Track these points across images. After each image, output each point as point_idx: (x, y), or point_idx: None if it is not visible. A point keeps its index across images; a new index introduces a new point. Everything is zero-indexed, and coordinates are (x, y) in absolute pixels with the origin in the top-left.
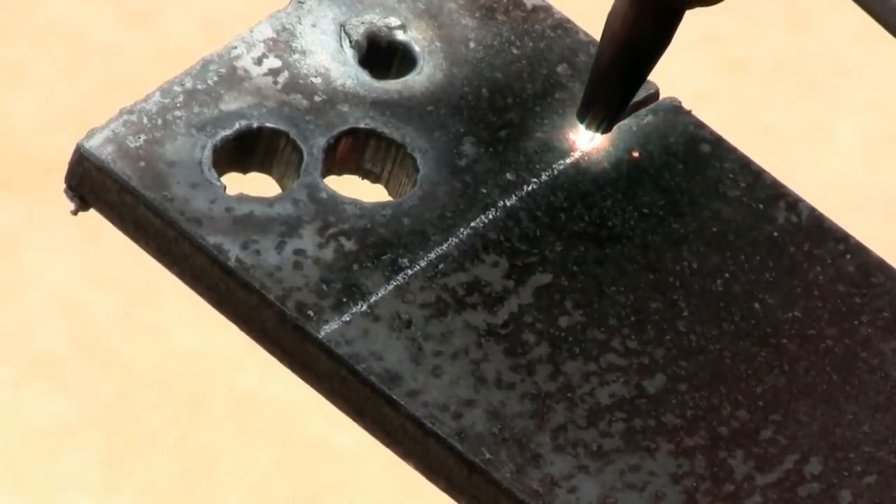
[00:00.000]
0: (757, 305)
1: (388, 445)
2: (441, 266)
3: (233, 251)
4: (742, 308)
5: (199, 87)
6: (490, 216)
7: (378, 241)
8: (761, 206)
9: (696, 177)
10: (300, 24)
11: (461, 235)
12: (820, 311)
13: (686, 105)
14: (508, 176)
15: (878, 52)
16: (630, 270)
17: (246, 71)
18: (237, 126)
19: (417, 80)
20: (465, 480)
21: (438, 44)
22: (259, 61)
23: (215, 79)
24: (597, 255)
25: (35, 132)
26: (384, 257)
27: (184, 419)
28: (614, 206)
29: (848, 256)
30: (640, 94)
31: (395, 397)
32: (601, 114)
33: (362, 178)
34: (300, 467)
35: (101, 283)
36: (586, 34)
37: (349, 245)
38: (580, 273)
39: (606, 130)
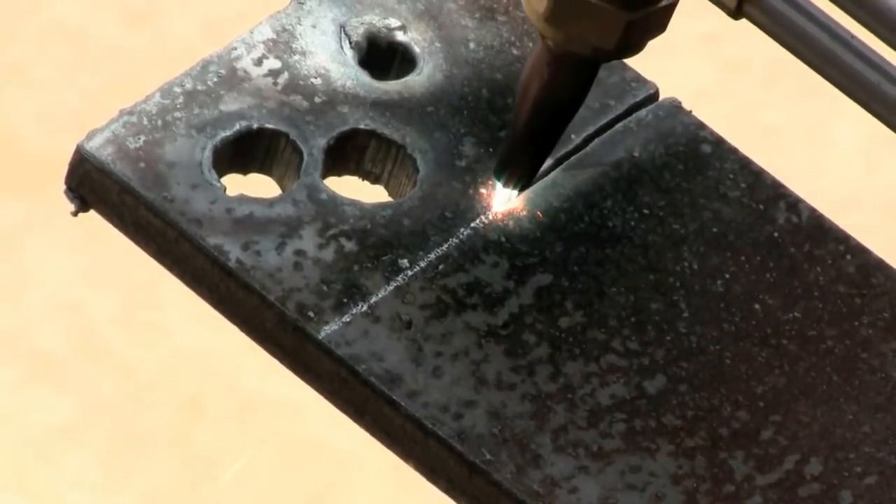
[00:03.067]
0: (757, 306)
1: (388, 446)
2: (441, 267)
3: (233, 252)
4: (742, 309)
5: (199, 88)
6: (490, 216)
7: (378, 242)
8: (761, 206)
9: (696, 177)
10: (300, 24)
11: (461, 236)
12: (820, 311)
13: (686, 105)
14: None
15: None
16: (630, 271)
17: (246, 72)
18: (237, 127)
19: (417, 80)
20: (465, 481)
21: (438, 44)
22: (259, 62)
23: (215, 80)
24: (597, 255)
25: (35, 133)
26: (384, 258)
27: (184, 419)
28: (614, 207)
29: (848, 257)
30: (640, 95)
31: (395, 398)
32: (519, 173)
33: (362, 179)
34: (300, 467)
35: (102, 284)
36: None
37: (349, 246)
38: (580, 273)
39: (525, 188)
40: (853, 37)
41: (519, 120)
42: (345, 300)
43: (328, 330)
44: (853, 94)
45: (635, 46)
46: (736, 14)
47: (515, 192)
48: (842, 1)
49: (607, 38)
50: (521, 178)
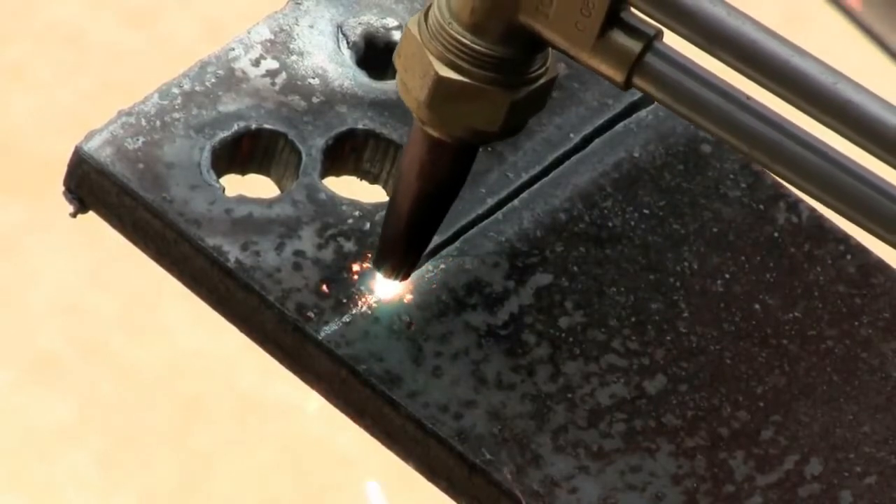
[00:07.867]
0: (757, 306)
1: (388, 446)
2: (441, 266)
3: (232, 252)
4: (742, 308)
5: (197, 88)
6: (490, 216)
7: (377, 242)
8: (762, 206)
9: (696, 177)
10: (297, 25)
11: (461, 236)
12: (820, 311)
13: None
14: (510, 175)
15: (877, 53)
16: (630, 271)
17: (244, 72)
18: (235, 127)
19: None
20: (465, 481)
21: None
22: (257, 63)
23: (213, 80)
24: (597, 255)
25: (35, 134)
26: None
27: (184, 419)
28: (615, 207)
29: (848, 257)
30: (639, 94)
31: (395, 398)
32: (401, 264)
33: (360, 179)
34: (300, 467)
35: (102, 285)
36: None
37: (348, 246)
38: (580, 273)
39: (406, 277)
40: (749, 98)
41: (398, 211)
42: (344, 300)
43: (328, 330)
44: (755, 157)
45: (518, 126)
46: (625, 85)
47: (398, 281)
48: (735, 62)
49: (492, 120)
50: (402, 268)
